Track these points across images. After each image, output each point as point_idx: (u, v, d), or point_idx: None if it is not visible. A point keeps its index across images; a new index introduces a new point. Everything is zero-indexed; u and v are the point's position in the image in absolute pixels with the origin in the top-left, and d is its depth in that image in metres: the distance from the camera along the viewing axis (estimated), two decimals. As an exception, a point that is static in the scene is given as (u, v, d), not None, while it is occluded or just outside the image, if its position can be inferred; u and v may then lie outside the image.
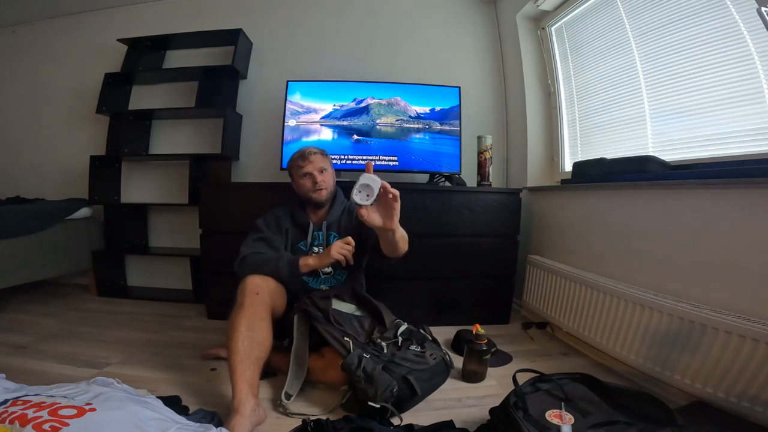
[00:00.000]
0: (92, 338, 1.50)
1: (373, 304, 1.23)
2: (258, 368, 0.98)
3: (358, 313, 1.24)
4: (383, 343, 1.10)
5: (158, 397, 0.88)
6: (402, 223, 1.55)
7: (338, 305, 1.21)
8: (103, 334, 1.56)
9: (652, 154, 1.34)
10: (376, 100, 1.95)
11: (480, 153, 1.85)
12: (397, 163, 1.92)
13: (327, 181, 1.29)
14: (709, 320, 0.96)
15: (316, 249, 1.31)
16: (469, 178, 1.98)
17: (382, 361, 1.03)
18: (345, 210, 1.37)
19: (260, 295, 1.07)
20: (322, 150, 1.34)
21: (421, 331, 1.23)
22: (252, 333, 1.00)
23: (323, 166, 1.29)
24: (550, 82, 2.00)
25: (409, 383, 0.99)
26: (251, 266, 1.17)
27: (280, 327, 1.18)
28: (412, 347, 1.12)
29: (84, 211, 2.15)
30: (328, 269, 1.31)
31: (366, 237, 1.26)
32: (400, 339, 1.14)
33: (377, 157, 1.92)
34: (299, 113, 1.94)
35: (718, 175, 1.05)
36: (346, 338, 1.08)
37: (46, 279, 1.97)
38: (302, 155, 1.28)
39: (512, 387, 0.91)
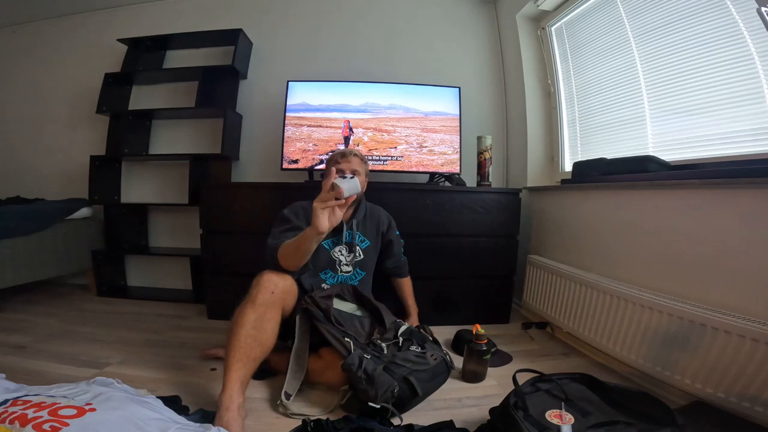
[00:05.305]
0: (92, 338, 1.50)
1: (374, 305, 1.23)
2: (254, 368, 0.98)
3: (358, 313, 1.23)
4: (383, 344, 1.10)
5: (158, 397, 0.88)
6: (403, 222, 1.55)
7: (339, 304, 1.21)
8: (103, 334, 1.56)
9: (652, 154, 1.34)
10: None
11: (480, 153, 1.85)
12: (402, 159, 1.93)
13: None
14: (709, 320, 0.96)
15: (339, 248, 1.32)
16: (469, 178, 1.98)
17: (382, 361, 1.03)
18: (367, 215, 1.39)
19: (275, 294, 1.04)
20: (364, 157, 1.39)
21: (422, 331, 1.23)
22: (257, 332, 0.98)
23: (357, 170, 1.30)
24: (550, 82, 2.00)
25: (410, 384, 0.99)
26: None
27: (284, 327, 1.17)
28: (413, 348, 1.11)
29: (84, 211, 2.15)
30: (348, 268, 1.33)
31: (384, 248, 1.40)
32: (400, 339, 1.14)
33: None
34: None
35: (718, 175, 1.04)
36: (346, 338, 1.08)
37: (46, 279, 1.97)
38: (343, 153, 1.33)
39: (512, 387, 0.92)
